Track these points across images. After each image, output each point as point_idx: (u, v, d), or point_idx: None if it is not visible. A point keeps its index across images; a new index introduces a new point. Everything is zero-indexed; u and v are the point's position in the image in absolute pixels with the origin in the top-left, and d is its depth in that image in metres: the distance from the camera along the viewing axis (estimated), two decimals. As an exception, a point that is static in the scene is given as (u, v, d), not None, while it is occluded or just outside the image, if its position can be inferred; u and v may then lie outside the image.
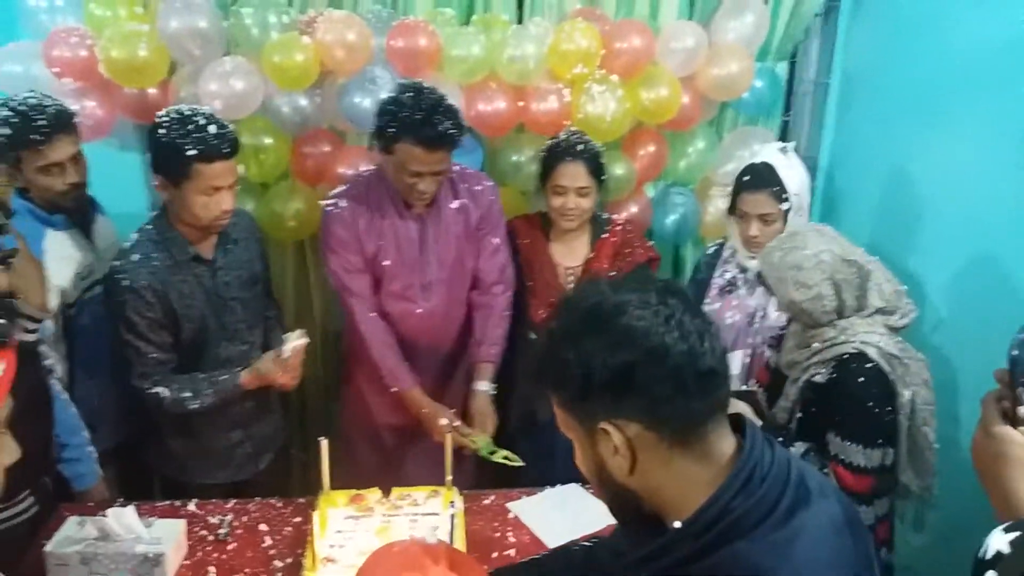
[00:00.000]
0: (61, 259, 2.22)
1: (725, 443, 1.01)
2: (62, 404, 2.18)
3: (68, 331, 2.27)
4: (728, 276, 2.53)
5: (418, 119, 2.19)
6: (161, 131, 2.06)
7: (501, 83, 2.75)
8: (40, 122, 2.09)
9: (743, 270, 2.50)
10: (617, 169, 2.83)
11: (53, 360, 2.18)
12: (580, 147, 2.49)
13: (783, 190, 2.33)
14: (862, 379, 1.87)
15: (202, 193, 2.09)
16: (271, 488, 2.37)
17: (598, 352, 0.97)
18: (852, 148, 3.07)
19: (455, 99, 2.65)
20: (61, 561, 1.77)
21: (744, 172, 2.41)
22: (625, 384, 0.96)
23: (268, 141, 2.73)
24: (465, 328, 2.64)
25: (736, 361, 2.49)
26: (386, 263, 2.45)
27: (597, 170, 2.50)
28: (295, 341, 2.21)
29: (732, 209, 2.44)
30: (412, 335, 2.55)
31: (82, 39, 2.56)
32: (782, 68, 3.03)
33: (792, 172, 2.38)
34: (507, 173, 2.93)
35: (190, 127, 2.04)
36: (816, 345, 1.94)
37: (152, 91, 2.67)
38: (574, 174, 2.47)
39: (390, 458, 2.64)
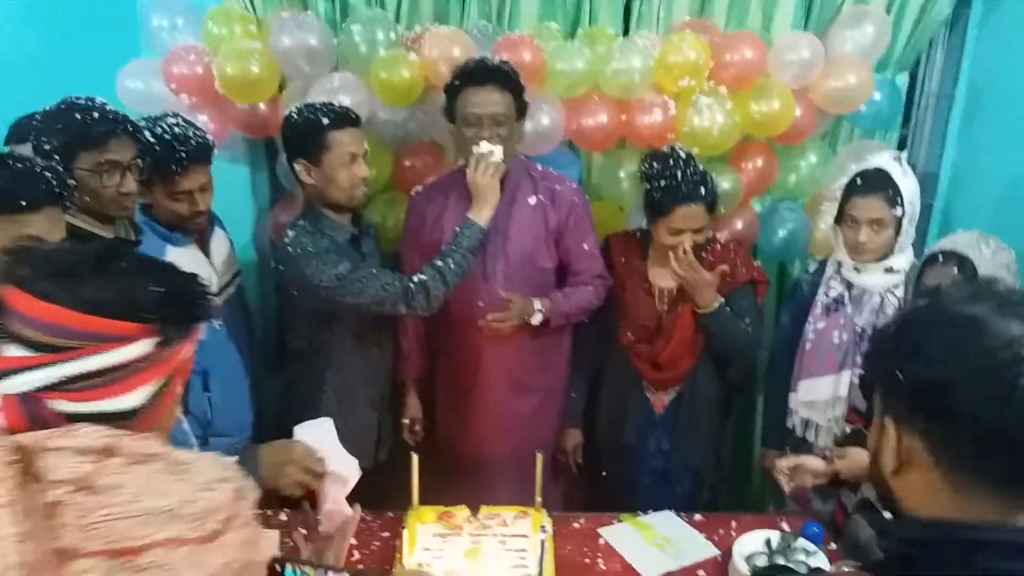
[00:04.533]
0: None
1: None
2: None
3: None
4: (834, 294, 2.42)
5: (471, 64, 2.35)
6: (295, 116, 2.27)
7: (604, 96, 2.70)
8: (180, 154, 2.15)
9: (849, 286, 2.39)
10: (723, 183, 2.73)
11: None
12: (703, 189, 2.36)
13: (897, 194, 2.24)
14: None
15: (342, 164, 2.25)
16: (383, 486, 2.40)
17: (923, 355, 0.89)
18: (976, 164, 2.89)
19: (555, 113, 2.65)
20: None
21: (857, 176, 2.32)
22: (928, 401, 0.89)
23: (371, 154, 2.75)
24: (539, 348, 2.57)
25: (844, 382, 2.40)
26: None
27: (713, 202, 2.42)
28: (483, 147, 2.26)
29: (839, 218, 2.35)
30: (477, 341, 2.50)
31: (200, 56, 2.66)
32: (902, 79, 2.88)
33: (906, 180, 2.27)
34: (606, 188, 2.89)
35: (318, 106, 2.27)
36: None
37: (262, 106, 2.75)
38: (694, 216, 2.38)
39: (479, 473, 2.62)
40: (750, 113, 2.67)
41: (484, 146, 2.26)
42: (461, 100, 2.33)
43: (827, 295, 2.43)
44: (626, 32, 2.80)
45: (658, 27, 2.78)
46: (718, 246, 2.55)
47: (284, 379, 2.49)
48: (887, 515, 1.01)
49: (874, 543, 0.97)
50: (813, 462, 1.93)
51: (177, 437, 2.20)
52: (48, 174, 1.55)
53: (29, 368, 0.96)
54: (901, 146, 3.00)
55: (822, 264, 2.51)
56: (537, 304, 2.44)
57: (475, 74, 2.31)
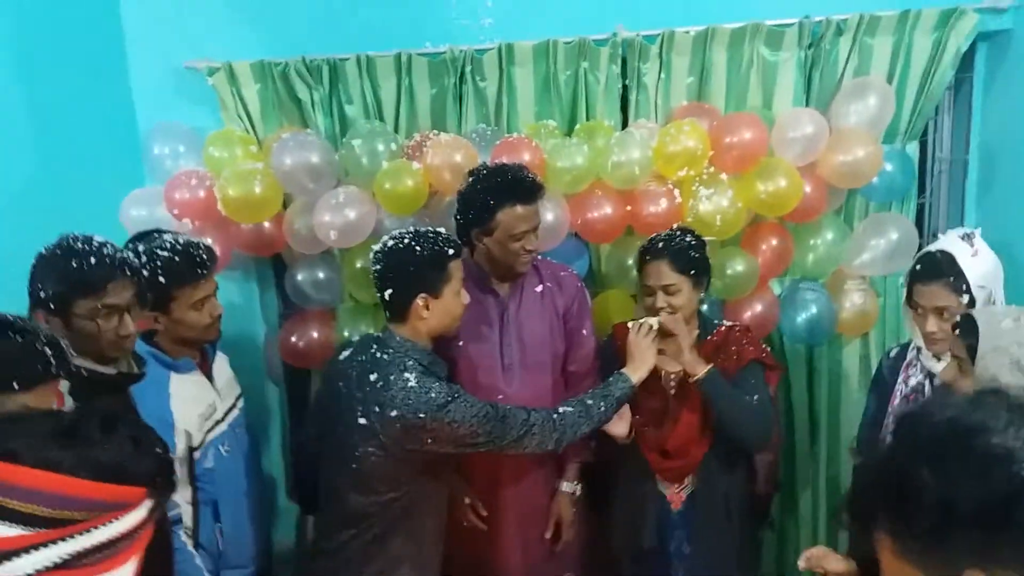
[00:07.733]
0: (186, 402, 2.19)
1: None
2: (187, 557, 2.14)
3: (192, 474, 2.22)
4: (913, 382, 2.18)
5: (510, 181, 2.29)
6: (416, 248, 2.06)
7: (607, 189, 2.68)
8: (201, 257, 2.15)
9: (930, 375, 2.13)
10: (736, 265, 2.68)
11: (180, 509, 2.15)
12: (661, 244, 2.36)
13: (962, 281, 2.01)
14: None
15: (455, 293, 2.12)
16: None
17: (966, 478, 0.79)
18: (1000, 228, 2.79)
19: (559, 209, 2.63)
20: None
21: (918, 261, 2.13)
22: (1001, 521, 0.78)
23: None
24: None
25: None
26: (459, 343, 2.40)
27: (686, 266, 2.34)
28: (645, 319, 2.34)
29: (909, 301, 2.14)
30: None
31: (201, 180, 2.66)
32: (912, 148, 2.81)
33: (976, 261, 2.04)
34: (615, 277, 2.84)
35: (431, 235, 2.10)
36: None
37: (267, 225, 2.73)
38: (658, 272, 2.35)
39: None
40: (756, 194, 2.62)
41: (653, 320, 2.33)
42: (506, 215, 2.28)
43: (906, 384, 2.21)
44: (625, 121, 2.78)
45: (657, 114, 2.76)
46: (722, 328, 2.46)
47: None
48: None
49: None
50: (835, 563, 1.72)
51: (191, 574, 2.14)
52: (49, 350, 1.50)
53: (31, 548, 0.88)
54: (919, 215, 2.92)
55: (903, 348, 2.29)
56: (567, 488, 2.51)
57: (522, 194, 2.29)
